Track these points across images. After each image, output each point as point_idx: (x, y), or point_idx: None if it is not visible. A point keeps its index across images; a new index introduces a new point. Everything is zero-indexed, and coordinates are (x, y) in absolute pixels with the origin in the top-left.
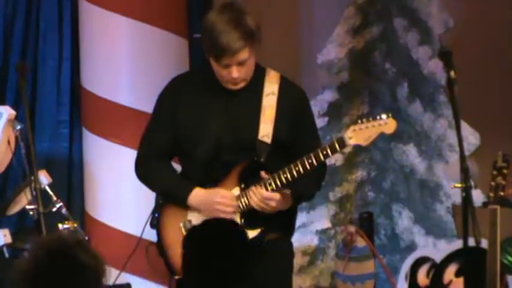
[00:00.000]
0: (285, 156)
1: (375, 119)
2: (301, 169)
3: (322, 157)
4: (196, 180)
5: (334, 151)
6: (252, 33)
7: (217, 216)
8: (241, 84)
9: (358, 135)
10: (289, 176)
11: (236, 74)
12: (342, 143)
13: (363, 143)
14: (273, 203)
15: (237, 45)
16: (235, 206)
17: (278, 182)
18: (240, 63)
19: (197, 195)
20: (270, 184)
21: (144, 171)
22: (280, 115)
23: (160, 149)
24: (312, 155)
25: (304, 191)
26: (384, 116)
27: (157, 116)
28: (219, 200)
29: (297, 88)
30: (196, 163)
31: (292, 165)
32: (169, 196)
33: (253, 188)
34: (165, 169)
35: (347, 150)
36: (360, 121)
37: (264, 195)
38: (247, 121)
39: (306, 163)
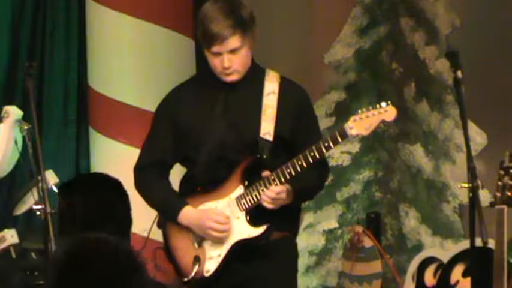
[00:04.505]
0: (287, 154)
1: (374, 107)
2: (303, 163)
3: (324, 149)
4: (200, 180)
5: (335, 142)
6: (244, 22)
7: (211, 235)
8: (235, 76)
9: (358, 125)
10: (292, 170)
11: (227, 63)
12: (343, 134)
13: (364, 132)
14: (283, 195)
15: (227, 32)
16: (229, 225)
17: (282, 178)
18: (232, 52)
19: (188, 215)
20: (274, 180)
21: (138, 184)
22: (281, 114)
23: (159, 157)
24: (313, 148)
25: (304, 185)
26: (383, 104)
27: (155, 125)
28: (212, 224)
29: (297, 87)
30: (200, 164)
31: (294, 160)
32: (160, 213)
33: (260, 189)
34: (158, 183)
35: (355, 146)
36: (359, 111)
37: (277, 190)
38: (249, 120)
39: (309, 156)
